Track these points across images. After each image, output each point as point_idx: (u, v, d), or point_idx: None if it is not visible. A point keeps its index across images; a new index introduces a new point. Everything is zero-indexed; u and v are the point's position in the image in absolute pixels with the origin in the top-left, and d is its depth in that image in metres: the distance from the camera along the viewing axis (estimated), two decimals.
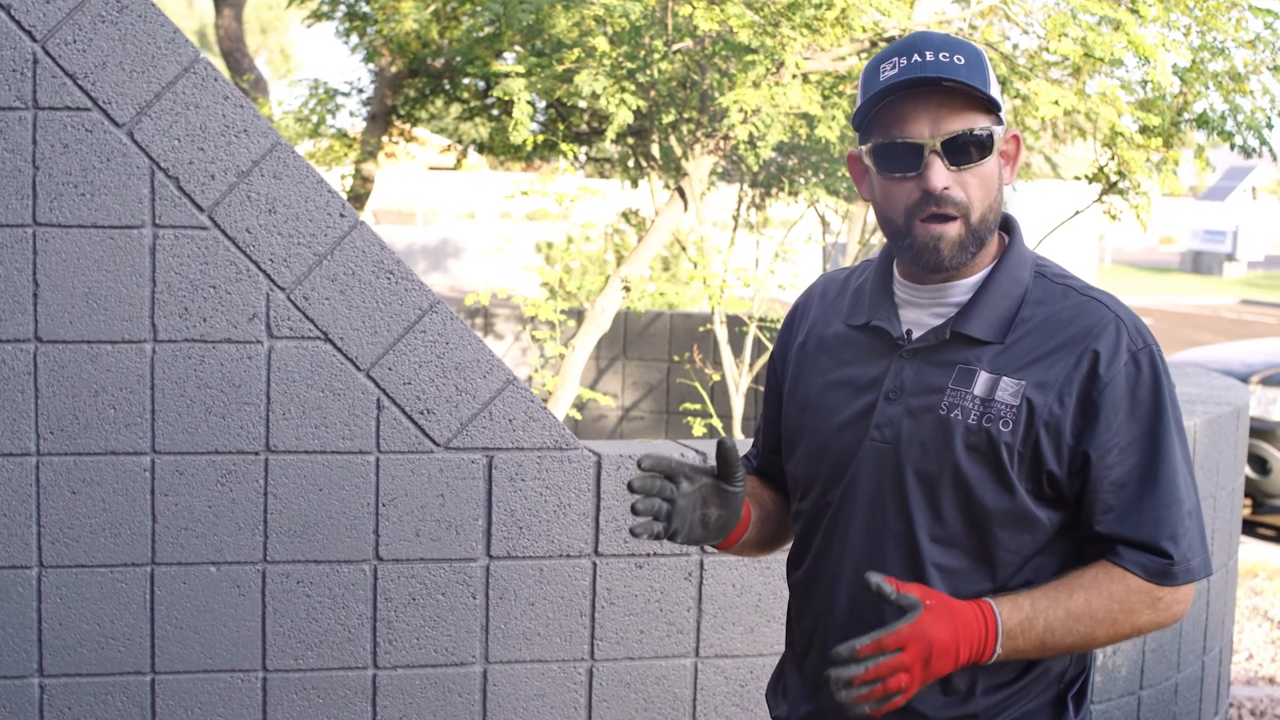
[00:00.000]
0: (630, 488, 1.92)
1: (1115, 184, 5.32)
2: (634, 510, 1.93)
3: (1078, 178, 5.57)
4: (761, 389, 6.97)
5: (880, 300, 2.03)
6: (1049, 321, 1.93)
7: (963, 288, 1.97)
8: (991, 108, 1.91)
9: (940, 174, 1.88)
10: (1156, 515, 1.89)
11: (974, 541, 1.92)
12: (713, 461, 1.98)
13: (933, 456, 1.92)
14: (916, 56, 1.89)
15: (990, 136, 1.90)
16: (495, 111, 7.46)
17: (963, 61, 1.89)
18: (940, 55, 1.88)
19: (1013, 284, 1.96)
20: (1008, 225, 2.03)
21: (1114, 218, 5.46)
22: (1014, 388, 1.89)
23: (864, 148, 1.96)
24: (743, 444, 3.35)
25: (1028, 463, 1.89)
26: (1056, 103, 4.74)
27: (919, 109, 1.89)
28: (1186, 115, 5.32)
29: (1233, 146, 5.26)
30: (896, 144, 1.91)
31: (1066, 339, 1.91)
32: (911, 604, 1.78)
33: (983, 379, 1.91)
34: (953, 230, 1.90)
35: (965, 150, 1.89)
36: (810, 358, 2.09)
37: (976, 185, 1.91)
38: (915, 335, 1.98)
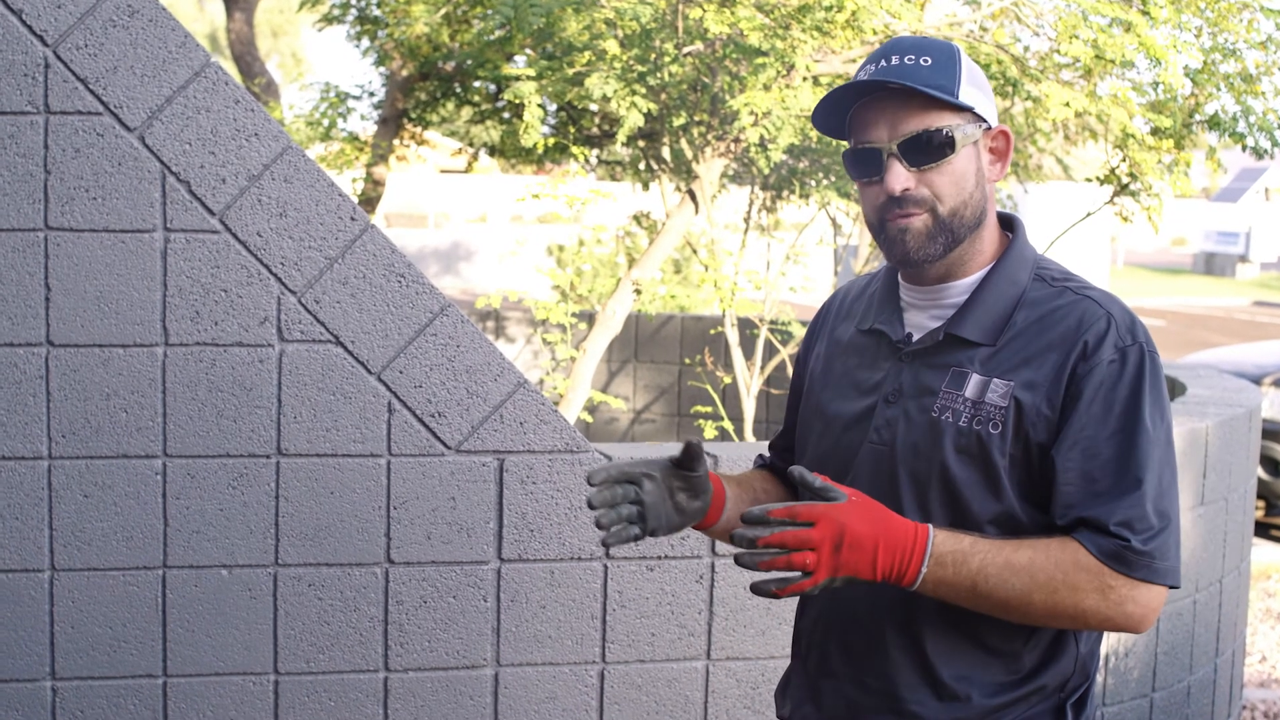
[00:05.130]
0: (590, 505, 1.91)
1: (1127, 186, 5.31)
2: (598, 524, 1.92)
3: (1089, 179, 5.56)
4: (773, 391, 6.98)
5: (886, 304, 2.06)
6: (1041, 321, 1.92)
7: (959, 289, 1.98)
8: (962, 106, 1.91)
9: (899, 176, 1.90)
10: (1117, 503, 1.83)
11: None
12: (667, 454, 1.99)
13: (923, 458, 1.93)
14: (884, 61, 1.91)
15: (949, 135, 1.90)
16: (506, 115, 7.46)
17: (929, 62, 1.90)
18: (905, 59, 1.90)
19: (1009, 285, 1.96)
20: (1011, 225, 2.03)
21: (1126, 219, 5.45)
22: (1003, 389, 1.89)
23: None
24: (755, 446, 3.35)
25: (1018, 464, 1.89)
26: (1068, 104, 4.74)
27: (879, 114, 1.92)
28: (1198, 117, 5.31)
29: (1244, 148, 5.25)
30: (859, 149, 1.94)
31: (1056, 337, 1.90)
32: (834, 493, 1.78)
33: (974, 381, 1.91)
34: (918, 221, 1.92)
35: (924, 150, 1.90)
36: (826, 363, 2.13)
37: (946, 183, 1.91)
38: (915, 338, 2.00)
